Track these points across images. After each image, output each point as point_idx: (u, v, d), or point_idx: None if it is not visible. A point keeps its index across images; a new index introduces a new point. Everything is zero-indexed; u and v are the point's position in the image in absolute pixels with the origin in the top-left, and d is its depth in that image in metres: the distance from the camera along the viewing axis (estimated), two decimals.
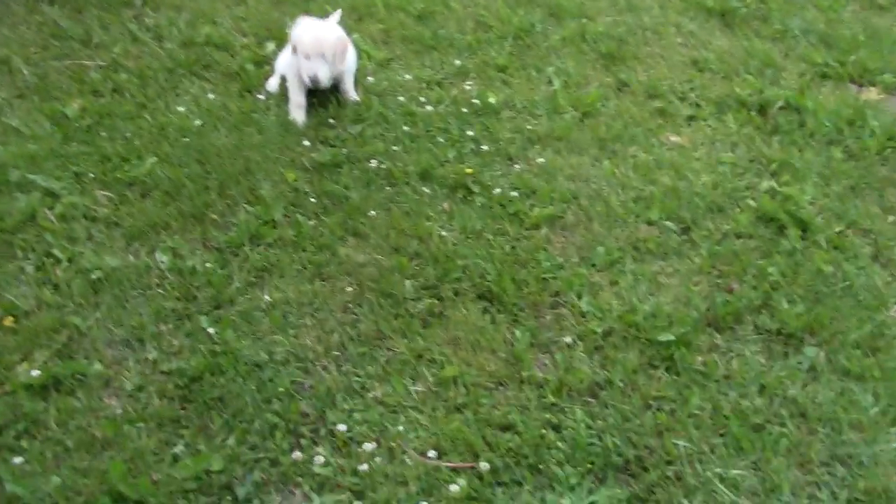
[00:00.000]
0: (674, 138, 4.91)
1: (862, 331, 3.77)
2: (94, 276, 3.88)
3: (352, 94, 5.00)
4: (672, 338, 3.64)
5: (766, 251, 4.19)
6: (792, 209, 4.38)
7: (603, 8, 6.09)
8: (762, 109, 5.18)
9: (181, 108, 4.91)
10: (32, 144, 4.62)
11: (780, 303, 3.88)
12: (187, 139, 4.68)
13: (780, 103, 5.19)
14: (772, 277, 4.02)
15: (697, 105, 5.19)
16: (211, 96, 5.01)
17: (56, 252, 4.00)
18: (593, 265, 4.07)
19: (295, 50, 4.74)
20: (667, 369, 3.57)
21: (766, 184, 4.59)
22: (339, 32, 4.79)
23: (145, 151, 4.60)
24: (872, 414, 3.43)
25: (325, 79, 4.70)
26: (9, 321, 3.67)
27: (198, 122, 4.81)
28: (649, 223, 4.33)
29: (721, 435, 3.33)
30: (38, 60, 5.33)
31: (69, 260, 3.97)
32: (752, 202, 4.47)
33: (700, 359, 3.61)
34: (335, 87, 4.98)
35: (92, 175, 4.46)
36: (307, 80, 4.69)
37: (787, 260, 4.13)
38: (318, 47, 4.66)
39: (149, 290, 3.86)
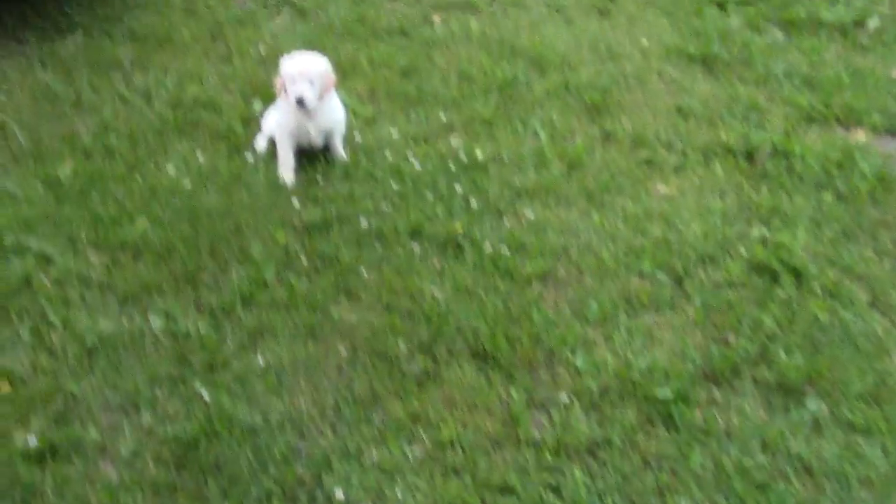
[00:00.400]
0: (662, 188, 4.91)
1: (864, 381, 3.74)
2: (88, 341, 3.89)
3: (340, 152, 5.02)
4: (669, 394, 3.63)
5: (760, 301, 4.18)
6: (784, 256, 4.38)
7: (585, 58, 6.11)
8: (749, 155, 5.17)
9: (171, 170, 4.92)
10: (27, 208, 4.65)
11: (778, 354, 3.87)
12: (178, 200, 4.69)
13: (767, 148, 5.18)
14: (768, 327, 4.01)
15: (684, 153, 5.18)
16: (200, 157, 5.03)
17: (51, 316, 4.01)
18: (587, 320, 4.06)
19: (282, 91, 4.75)
20: (666, 426, 3.55)
21: (758, 231, 4.59)
22: (326, 62, 4.80)
23: (137, 213, 4.61)
24: (882, 469, 3.39)
25: (311, 101, 4.69)
26: (5, 387, 3.69)
27: (188, 184, 4.82)
28: (641, 275, 4.32)
29: (724, 494, 3.30)
30: (33, 125, 5.36)
31: (64, 324, 3.98)
32: (743, 251, 4.46)
33: (699, 414, 3.60)
34: (325, 147, 5.00)
35: (85, 238, 4.46)
36: (294, 102, 4.68)
37: (782, 309, 4.12)
38: (303, 70, 4.68)
39: (143, 354, 3.86)
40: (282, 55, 4.93)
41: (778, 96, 5.74)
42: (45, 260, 4.33)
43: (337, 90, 5.01)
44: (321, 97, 4.76)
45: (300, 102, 4.67)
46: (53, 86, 5.73)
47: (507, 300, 4.15)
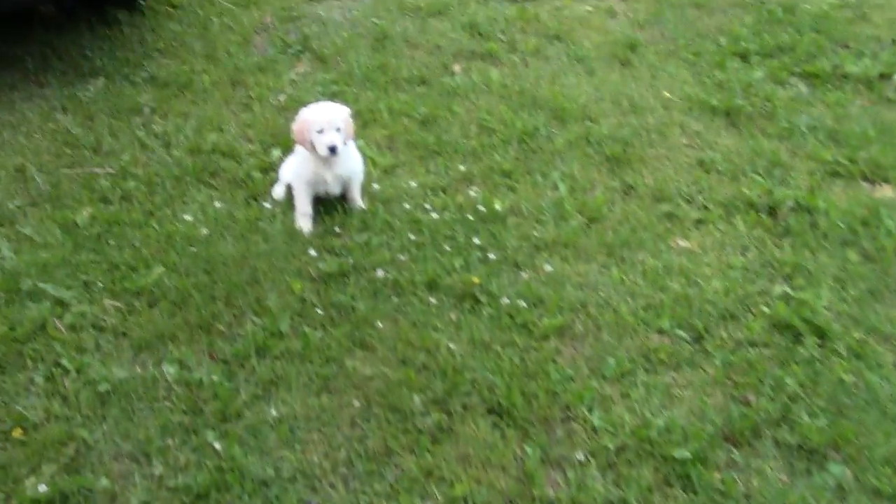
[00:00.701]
0: (682, 243, 4.87)
1: (890, 446, 3.66)
2: (101, 388, 3.87)
3: (358, 201, 5.00)
4: (687, 454, 3.57)
5: (782, 360, 4.11)
6: (808, 315, 4.30)
7: (606, 109, 6.08)
8: (772, 211, 5.11)
9: (188, 217, 4.90)
10: (44, 253, 4.63)
11: (801, 415, 3.80)
12: (194, 248, 4.67)
13: (790, 204, 5.12)
14: (790, 388, 3.93)
15: (705, 207, 5.14)
16: (218, 204, 5.01)
17: (65, 362, 3.99)
18: (604, 377, 4.01)
19: (303, 141, 4.73)
20: (683, 488, 3.49)
21: (780, 289, 4.52)
22: (348, 110, 4.79)
23: (153, 260, 4.59)
24: None
25: (342, 148, 4.69)
26: (18, 433, 3.68)
27: (204, 231, 4.80)
28: (660, 332, 4.27)
29: None
30: (52, 168, 5.36)
31: (77, 371, 3.96)
32: (765, 308, 4.40)
33: (718, 476, 3.53)
34: (342, 196, 4.98)
35: (101, 284, 4.45)
36: (325, 152, 4.65)
37: (805, 369, 4.04)
38: (331, 118, 4.67)
39: (156, 403, 3.83)
40: (302, 103, 4.95)
41: (802, 150, 5.68)
42: (60, 305, 4.32)
43: (355, 139, 5.00)
44: (347, 139, 4.76)
45: (332, 150, 4.66)
46: (73, 130, 5.73)
47: (523, 355, 4.10)
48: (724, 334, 4.27)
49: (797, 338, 4.24)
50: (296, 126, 4.77)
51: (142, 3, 7.30)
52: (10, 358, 4.05)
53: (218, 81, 6.36)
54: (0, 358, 4.04)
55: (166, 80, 6.33)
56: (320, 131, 4.66)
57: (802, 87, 6.46)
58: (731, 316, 4.38)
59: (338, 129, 4.67)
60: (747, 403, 3.88)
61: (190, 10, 7.44)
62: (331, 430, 3.73)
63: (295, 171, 4.91)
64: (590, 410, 3.82)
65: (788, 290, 4.52)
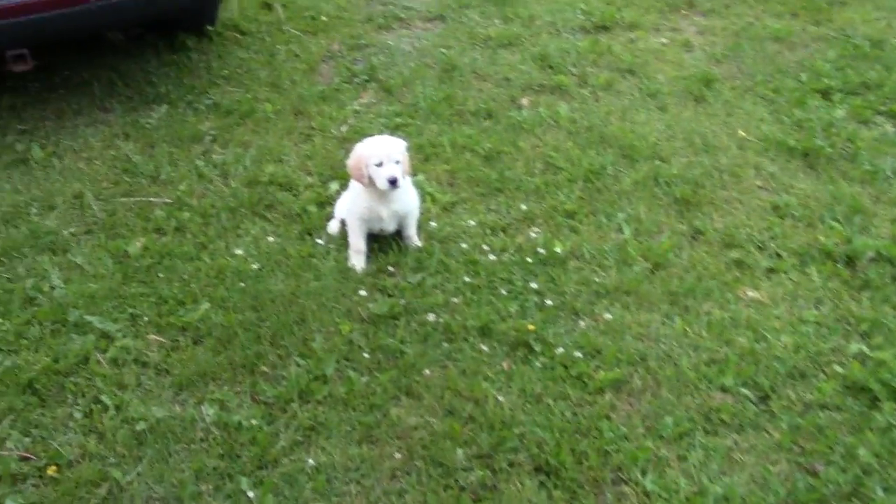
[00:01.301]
0: (751, 293, 4.64)
1: None
2: (139, 427, 3.82)
3: (414, 239, 4.87)
4: None
5: (855, 426, 3.86)
6: (886, 377, 4.05)
7: (678, 148, 5.87)
8: (850, 261, 4.85)
9: (240, 251, 4.82)
10: (93, 283, 4.61)
11: (874, 490, 3.55)
12: (244, 284, 4.58)
13: (871, 254, 4.86)
14: (863, 459, 3.68)
15: (778, 256, 4.90)
16: (271, 238, 4.93)
17: (105, 398, 3.96)
18: (660, 437, 3.81)
19: (359, 177, 4.62)
20: None
21: (856, 347, 4.27)
22: (405, 144, 4.69)
23: (201, 295, 4.52)
24: None
25: (399, 178, 4.57)
26: (52, 470, 3.63)
27: (255, 266, 4.71)
28: (723, 390, 4.05)
29: None
30: (109, 196, 5.36)
31: (116, 408, 3.92)
32: (839, 368, 4.15)
33: None
34: (398, 233, 4.86)
35: (147, 318, 4.41)
36: (385, 185, 4.55)
37: (880, 438, 3.78)
38: (391, 152, 4.57)
39: (192, 445, 3.75)
40: (363, 135, 4.86)
41: (885, 196, 5.41)
42: (105, 338, 4.29)
43: (412, 174, 4.90)
44: (405, 174, 4.65)
45: (393, 183, 4.55)
46: (133, 157, 5.72)
47: (576, 409, 3.93)
48: (793, 395, 4.04)
49: (873, 402, 3.98)
50: (351, 161, 4.66)
51: (210, 28, 7.30)
52: (51, 391, 4.02)
53: (281, 110, 6.31)
54: (41, 390, 4.02)
55: (229, 108, 6.30)
56: (379, 164, 4.55)
57: (888, 127, 6.18)
58: (801, 375, 4.15)
59: (397, 162, 4.56)
60: (815, 474, 3.65)
61: (258, 37, 7.46)
62: (369, 482, 3.60)
63: (349, 207, 4.80)
64: (643, 473, 3.63)
65: (865, 348, 4.27)
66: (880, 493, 3.54)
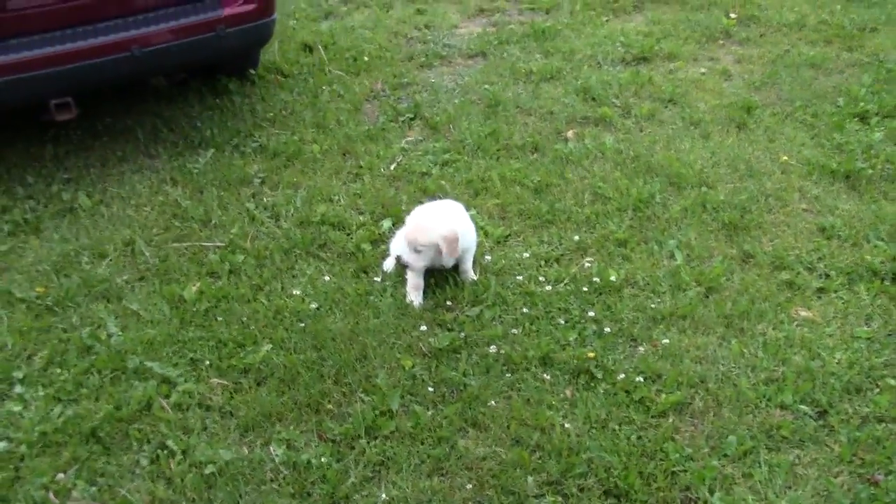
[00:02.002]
0: (804, 313, 4.67)
1: None
2: (207, 471, 3.82)
3: (470, 274, 4.90)
4: None
5: None
6: None
7: (723, 175, 5.90)
8: None
9: (297, 291, 4.85)
10: (151, 329, 4.62)
11: None
12: (303, 324, 4.61)
13: None
14: None
15: (826, 276, 4.94)
16: (327, 278, 4.96)
17: (171, 443, 3.96)
18: (725, 456, 3.84)
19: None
20: None
21: None
22: (443, 228, 4.61)
23: (261, 337, 4.54)
24: None
25: (412, 265, 4.66)
26: None
27: (313, 306, 4.74)
28: (782, 407, 4.09)
29: None
30: (160, 242, 5.37)
31: (183, 452, 3.92)
32: (892, 381, 4.21)
33: None
34: (454, 268, 4.89)
35: (208, 362, 4.42)
36: (395, 258, 4.71)
37: None
38: (411, 239, 4.63)
39: (262, 486, 3.76)
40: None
41: None
42: (166, 383, 4.30)
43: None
44: (448, 256, 4.67)
45: (397, 258, 4.70)
46: (182, 203, 5.74)
47: (640, 433, 3.96)
48: (850, 409, 4.08)
49: None
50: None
51: (252, 72, 7.37)
52: (115, 438, 4.04)
53: (328, 151, 6.34)
54: (105, 438, 4.03)
55: (276, 151, 6.33)
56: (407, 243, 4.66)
57: None
58: (857, 390, 4.19)
59: (416, 251, 4.62)
60: (876, 484, 3.69)
61: (300, 79, 7.51)
62: None
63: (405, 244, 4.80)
64: (711, 492, 3.66)
65: None
66: None
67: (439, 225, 4.62)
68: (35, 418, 4.10)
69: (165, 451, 3.94)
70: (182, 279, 5.02)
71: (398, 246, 4.92)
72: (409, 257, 4.64)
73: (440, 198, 5.15)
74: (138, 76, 6.81)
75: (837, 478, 3.74)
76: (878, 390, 4.18)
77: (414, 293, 4.77)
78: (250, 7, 6.36)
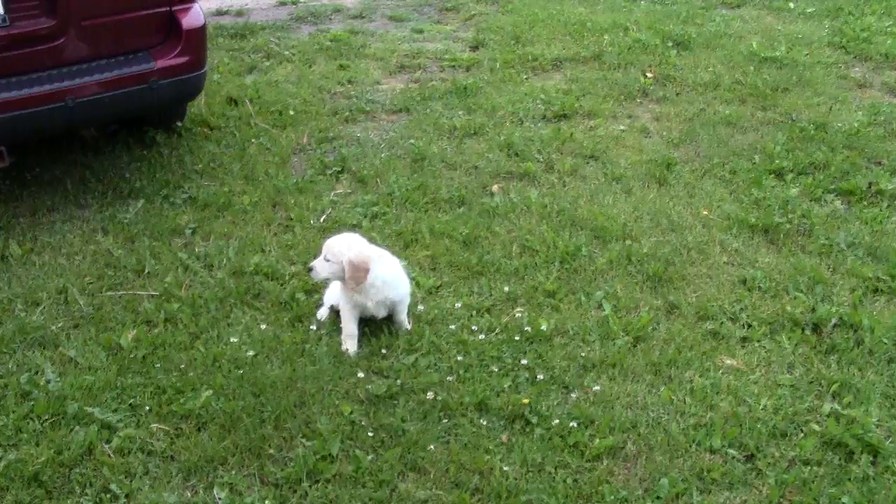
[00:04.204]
0: (729, 361, 4.85)
1: None
2: None
3: (404, 323, 5.00)
4: None
5: (836, 478, 4.08)
6: (859, 433, 4.27)
7: (646, 228, 6.08)
8: (816, 328, 5.09)
9: (234, 339, 4.91)
10: (89, 375, 4.64)
11: None
12: (241, 371, 4.67)
13: (834, 321, 5.10)
14: None
15: (749, 325, 5.12)
16: (263, 326, 5.02)
17: (114, 487, 3.99)
18: (658, 498, 3.98)
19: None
20: None
21: (829, 406, 4.49)
22: (356, 254, 4.70)
23: (199, 383, 4.58)
24: None
25: (317, 275, 4.78)
26: None
27: (250, 353, 4.80)
28: (712, 451, 4.23)
29: None
30: (94, 290, 5.38)
31: (127, 496, 3.96)
32: (816, 426, 4.37)
33: None
34: (388, 317, 4.98)
35: (147, 407, 4.45)
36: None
37: (860, 488, 4.01)
38: (326, 247, 4.75)
39: None
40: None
41: (842, 267, 5.68)
42: (107, 429, 4.32)
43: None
44: (353, 285, 4.72)
45: (309, 270, 4.80)
46: (115, 252, 5.75)
47: (576, 476, 4.08)
48: (776, 453, 4.24)
49: (850, 455, 4.21)
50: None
51: (179, 124, 7.43)
52: (57, 483, 4.04)
53: (258, 202, 6.40)
54: (47, 482, 4.03)
55: (206, 202, 6.37)
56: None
57: (838, 204, 6.47)
58: (783, 434, 4.36)
59: (327, 260, 4.73)
60: None
61: (227, 132, 7.55)
62: None
63: (341, 294, 4.90)
64: None
65: (837, 407, 4.49)
66: None
67: (357, 250, 4.73)
68: None
69: (108, 495, 3.96)
70: (118, 327, 5.04)
71: (332, 295, 5.02)
72: (316, 262, 4.75)
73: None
74: (72, 126, 6.86)
75: None
76: (802, 435, 4.34)
77: (349, 341, 4.85)
78: (182, 60, 6.45)
